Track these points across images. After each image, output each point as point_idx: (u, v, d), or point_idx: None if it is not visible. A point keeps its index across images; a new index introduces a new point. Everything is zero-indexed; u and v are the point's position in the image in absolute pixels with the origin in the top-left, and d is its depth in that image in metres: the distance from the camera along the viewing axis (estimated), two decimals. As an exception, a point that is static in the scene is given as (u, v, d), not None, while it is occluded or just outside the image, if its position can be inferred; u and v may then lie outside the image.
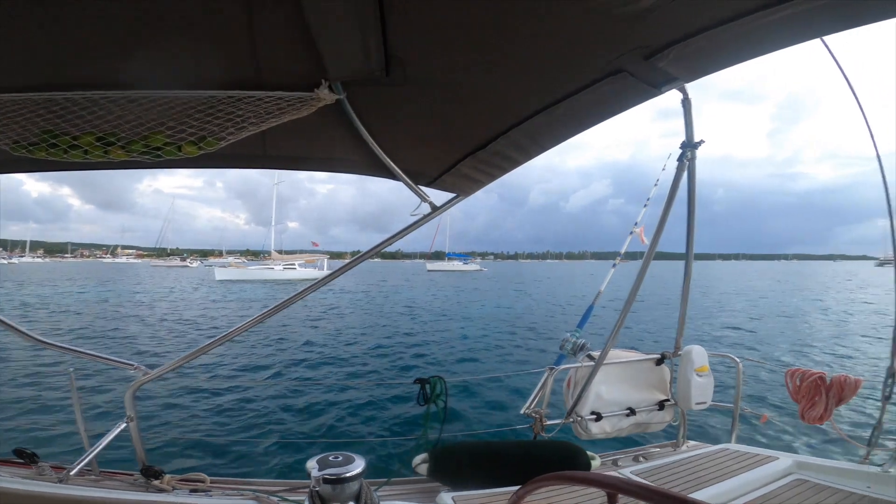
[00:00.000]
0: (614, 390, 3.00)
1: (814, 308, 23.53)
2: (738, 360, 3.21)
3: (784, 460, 2.59)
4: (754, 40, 1.05)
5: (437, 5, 0.96)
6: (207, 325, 15.64)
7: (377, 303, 23.95)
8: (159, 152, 1.28)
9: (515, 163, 1.71)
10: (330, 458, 1.36)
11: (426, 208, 1.87)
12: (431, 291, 32.73)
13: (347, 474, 1.31)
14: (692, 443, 3.17)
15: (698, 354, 3.04)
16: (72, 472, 1.86)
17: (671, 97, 2.30)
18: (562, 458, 2.52)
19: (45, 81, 1.19)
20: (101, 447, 1.94)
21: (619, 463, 2.85)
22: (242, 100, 1.21)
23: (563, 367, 3.00)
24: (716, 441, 3.12)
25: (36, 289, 30.09)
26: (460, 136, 1.57)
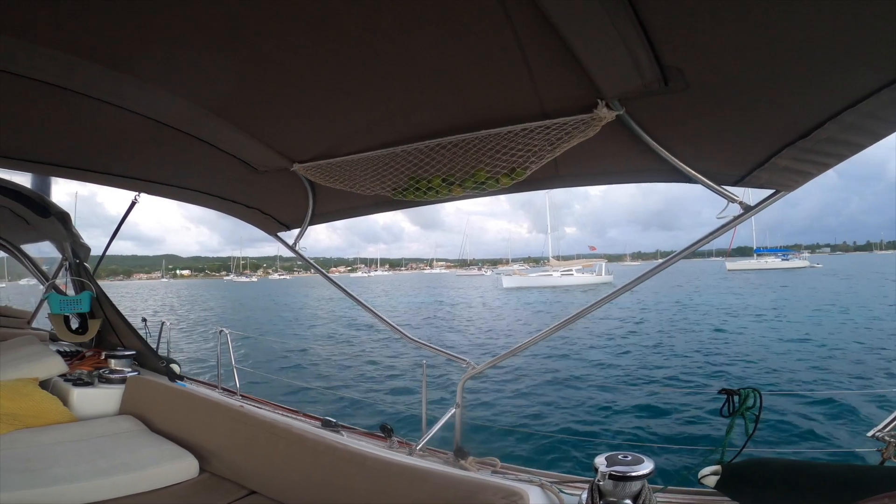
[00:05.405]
0: None
1: None
2: None
3: None
4: None
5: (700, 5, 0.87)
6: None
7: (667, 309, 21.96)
8: (484, 186, 1.57)
9: (857, 147, 1.31)
10: (619, 457, 1.41)
11: (735, 209, 1.56)
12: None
13: (633, 473, 1.35)
14: None
15: None
16: (417, 448, 2.21)
17: None
18: None
19: (401, 137, 1.57)
20: (437, 428, 2.24)
21: None
22: (534, 131, 1.38)
23: None
24: None
25: (394, 297, 40.60)
26: (770, 129, 1.31)
